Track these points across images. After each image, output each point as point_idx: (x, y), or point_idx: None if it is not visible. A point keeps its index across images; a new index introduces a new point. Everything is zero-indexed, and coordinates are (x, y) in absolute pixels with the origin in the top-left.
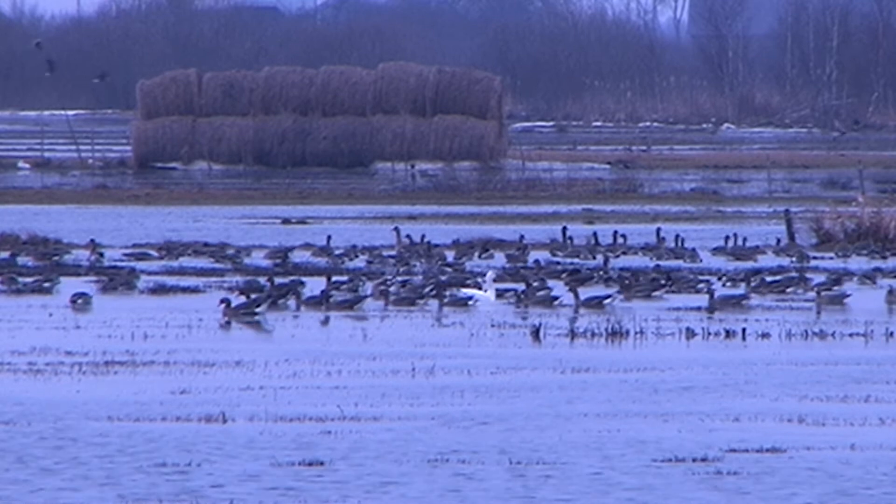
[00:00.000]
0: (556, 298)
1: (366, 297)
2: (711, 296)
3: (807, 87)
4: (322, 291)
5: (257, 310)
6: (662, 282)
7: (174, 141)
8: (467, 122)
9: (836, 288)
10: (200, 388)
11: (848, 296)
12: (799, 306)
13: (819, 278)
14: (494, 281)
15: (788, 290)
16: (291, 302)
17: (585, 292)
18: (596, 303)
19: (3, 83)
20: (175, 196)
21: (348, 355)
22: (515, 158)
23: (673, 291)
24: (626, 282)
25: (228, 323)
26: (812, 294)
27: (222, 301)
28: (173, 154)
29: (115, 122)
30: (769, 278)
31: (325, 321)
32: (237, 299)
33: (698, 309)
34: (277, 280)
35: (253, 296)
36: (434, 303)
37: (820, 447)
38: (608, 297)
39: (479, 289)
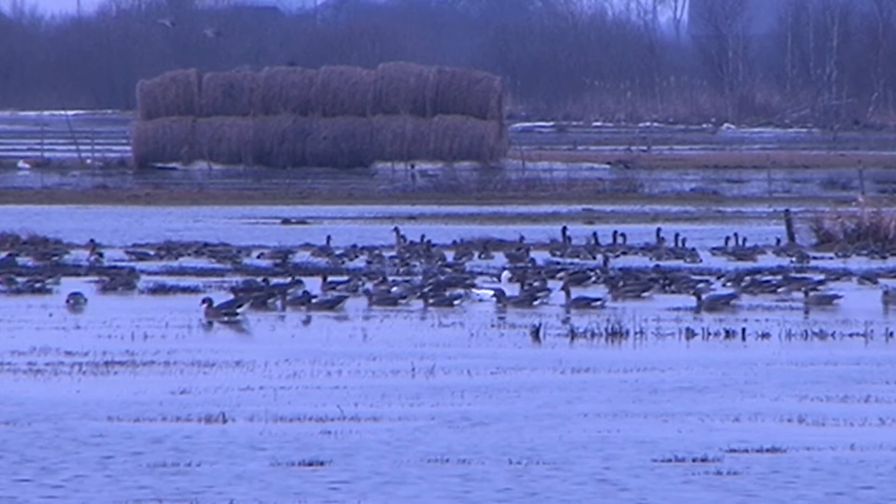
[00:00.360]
0: (535, 299)
1: (346, 297)
2: (699, 297)
3: (807, 87)
4: (304, 292)
5: (238, 310)
6: (659, 282)
7: (174, 141)
8: (467, 122)
9: (821, 287)
10: (200, 388)
11: (839, 297)
12: (798, 306)
13: (816, 279)
14: (510, 281)
15: (779, 290)
16: (278, 303)
17: (577, 292)
18: (585, 303)
19: (3, 83)
20: (175, 196)
21: (348, 355)
22: (515, 158)
23: (673, 291)
24: (619, 282)
25: (210, 323)
26: (802, 294)
27: (204, 301)
28: (173, 154)
29: (115, 122)
30: (762, 279)
31: (307, 321)
32: (221, 299)
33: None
34: (276, 280)
35: (238, 295)
36: (418, 303)
37: (820, 447)
38: (597, 299)
39: (478, 288)
